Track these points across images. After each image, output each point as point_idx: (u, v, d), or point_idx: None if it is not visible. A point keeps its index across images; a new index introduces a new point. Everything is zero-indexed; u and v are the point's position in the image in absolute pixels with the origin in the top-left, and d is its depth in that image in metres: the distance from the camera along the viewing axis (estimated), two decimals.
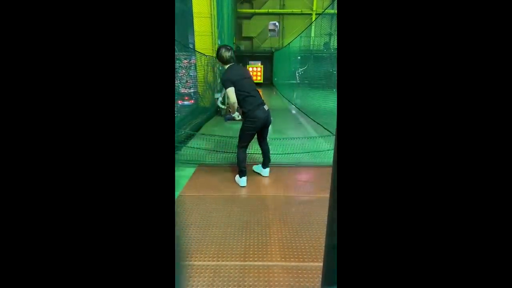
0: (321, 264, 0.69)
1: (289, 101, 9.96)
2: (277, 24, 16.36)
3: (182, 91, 5.60)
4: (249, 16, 16.77)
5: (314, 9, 16.01)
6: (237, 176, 2.81)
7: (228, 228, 2.07)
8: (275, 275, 1.60)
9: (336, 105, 0.50)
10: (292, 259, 1.74)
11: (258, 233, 2.01)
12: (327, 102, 5.40)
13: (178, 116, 4.47)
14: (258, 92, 2.67)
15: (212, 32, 7.08)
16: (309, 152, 3.70)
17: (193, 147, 3.63)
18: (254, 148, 3.93)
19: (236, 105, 2.56)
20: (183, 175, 2.97)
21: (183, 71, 5.63)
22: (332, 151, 0.58)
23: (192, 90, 6.05)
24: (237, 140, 2.72)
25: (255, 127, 2.62)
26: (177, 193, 2.60)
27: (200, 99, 6.45)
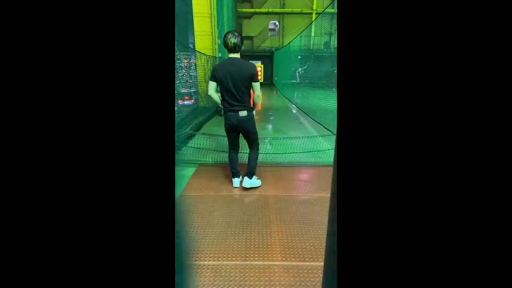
0: (322, 263, 0.69)
1: (289, 100, 9.96)
2: (277, 23, 16.36)
3: (182, 90, 5.60)
4: (249, 16, 16.76)
5: (314, 8, 16.00)
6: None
7: (228, 227, 2.07)
8: (276, 274, 1.60)
9: (336, 105, 0.50)
10: (293, 259, 1.74)
11: (259, 232, 2.01)
12: (328, 101, 5.39)
13: (178, 116, 4.47)
14: (246, 95, 2.41)
15: (212, 32, 7.07)
16: (309, 152, 3.70)
17: (194, 147, 3.63)
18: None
19: (213, 98, 2.47)
20: (183, 175, 2.97)
21: (183, 71, 5.63)
22: (333, 151, 0.58)
23: (192, 90, 6.05)
24: None
25: (228, 130, 2.51)
26: (177, 193, 2.60)
27: (200, 98, 6.45)
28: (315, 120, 6.00)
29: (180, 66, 5.42)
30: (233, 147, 2.63)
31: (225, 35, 2.36)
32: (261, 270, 1.64)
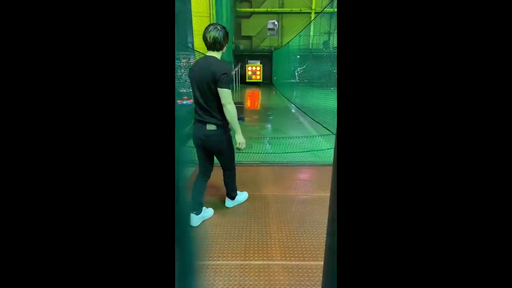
0: (322, 263, 0.69)
1: (288, 100, 9.96)
2: (276, 23, 16.34)
3: (182, 90, 5.59)
4: (248, 15, 16.75)
5: (313, 7, 16.00)
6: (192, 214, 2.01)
7: (228, 227, 2.07)
8: (276, 274, 1.61)
9: (336, 104, 0.50)
10: (292, 258, 1.74)
11: (259, 232, 2.01)
12: (327, 101, 5.40)
13: (177, 115, 4.44)
14: (216, 104, 1.81)
15: None
16: (309, 151, 3.70)
17: (193, 147, 3.62)
18: (254, 148, 3.93)
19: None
20: (183, 175, 2.96)
21: (183, 70, 5.61)
22: (332, 150, 0.58)
23: (191, 90, 6.03)
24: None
25: (195, 145, 1.99)
26: (177, 192, 2.59)
27: None
28: (314, 120, 6.00)
29: (179, 65, 5.41)
30: (201, 169, 2.07)
31: (206, 28, 1.78)
32: (261, 270, 1.64)
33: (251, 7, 16.55)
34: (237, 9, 15.63)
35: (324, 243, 0.67)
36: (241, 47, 16.89)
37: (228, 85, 1.77)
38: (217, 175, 3.02)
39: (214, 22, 6.92)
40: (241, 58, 15.84)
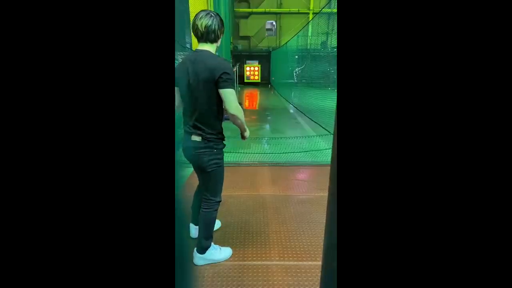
0: (320, 263, 0.69)
1: (286, 100, 9.97)
2: (274, 23, 16.36)
3: None
4: (246, 16, 16.77)
5: (311, 8, 16.03)
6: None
7: (226, 227, 2.07)
8: (274, 274, 1.61)
9: (334, 104, 0.50)
10: (291, 258, 1.74)
11: (257, 232, 2.02)
12: (325, 101, 5.42)
13: (177, 115, 4.44)
14: (208, 111, 1.42)
15: None
16: (307, 151, 3.70)
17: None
18: (252, 148, 3.94)
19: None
20: (181, 175, 2.96)
21: None
22: (330, 150, 0.58)
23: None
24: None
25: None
26: (177, 192, 2.59)
27: None
28: (312, 120, 6.02)
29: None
30: (200, 183, 1.74)
31: (196, 15, 1.40)
32: (259, 270, 1.64)
33: (249, 7, 16.56)
34: (235, 9, 15.63)
35: (322, 243, 0.67)
36: (239, 47, 16.90)
37: (231, 84, 1.38)
38: None
39: None
40: (240, 58, 15.85)
